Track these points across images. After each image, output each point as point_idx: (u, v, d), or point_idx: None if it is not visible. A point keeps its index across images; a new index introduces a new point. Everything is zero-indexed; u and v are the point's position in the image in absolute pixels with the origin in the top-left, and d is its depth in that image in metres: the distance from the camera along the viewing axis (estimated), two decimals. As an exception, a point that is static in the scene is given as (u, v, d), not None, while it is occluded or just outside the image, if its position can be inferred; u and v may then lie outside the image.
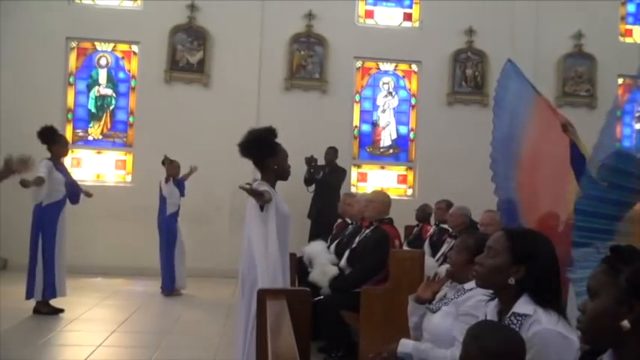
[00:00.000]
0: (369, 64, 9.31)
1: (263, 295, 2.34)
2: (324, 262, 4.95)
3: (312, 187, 8.30)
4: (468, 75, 9.16)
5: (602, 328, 1.43)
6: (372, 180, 9.26)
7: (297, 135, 7.73)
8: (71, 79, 8.81)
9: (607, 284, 1.43)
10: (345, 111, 9.08)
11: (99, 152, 8.86)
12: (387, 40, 9.12)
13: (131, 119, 8.89)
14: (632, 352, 1.39)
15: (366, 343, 3.87)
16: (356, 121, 9.25)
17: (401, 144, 9.36)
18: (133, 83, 8.92)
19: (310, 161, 8.19)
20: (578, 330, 1.55)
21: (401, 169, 9.36)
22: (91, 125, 8.85)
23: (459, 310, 2.45)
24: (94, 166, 8.80)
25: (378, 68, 9.34)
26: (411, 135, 9.35)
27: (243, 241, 3.46)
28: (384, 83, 9.32)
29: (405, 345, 2.54)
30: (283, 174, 3.61)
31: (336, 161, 8.42)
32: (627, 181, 2.67)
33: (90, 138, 8.86)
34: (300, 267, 5.37)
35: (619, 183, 2.68)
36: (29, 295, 5.66)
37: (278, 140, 3.57)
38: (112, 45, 8.90)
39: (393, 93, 9.33)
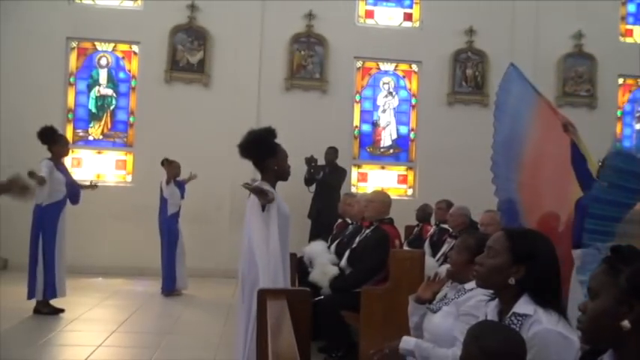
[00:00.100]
0: (370, 64, 9.30)
1: (263, 295, 2.34)
2: (325, 262, 4.95)
3: (313, 187, 8.29)
4: (468, 75, 9.16)
5: (603, 328, 1.43)
6: (373, 180, 9.25)
7: (297, 135, 7.74)
8: (71, 79, 8.81)
9: (607, 284, 1.44)
10: (346, 111, 9.08)
11: (99, 152, 8.87)
12: (387, 40, 9.12)
13: (131, 119, 8.89)
14: (633, 352, 1.39)
15: (366, 343, 3.86)
16: (356, 121, 9.25)
17: (401, 144, 9.35)
18: (133, 83, 8.91)
19: (310, 161, 8.18)
20: (579, 330, 1.55)
21: (401, 169, 9.36)
22: (91, 125, 8.85)
23: (459, 310, 2.45)
24: (94, 166, 8.79)
25: (379, 68, 9.34)
26: (412, 135, 9.35)
27: (243, 241, 3.47)
28: (384, 83, 9.32)
29: (407, 342, 2.53)
30: (283, 174, 3.61)
31: (337, 161, 8.41)
32: (628, 181, 2.67)
33: (90, 138, 8.86)
34: (300, 267, 5.38)
35: (619, 183, 2.69)
36: (31, 295, 5.67)
37: (278, 140, 3.57)
38: (112, 45, 8.90)
39: (394, 93, 9.32)
